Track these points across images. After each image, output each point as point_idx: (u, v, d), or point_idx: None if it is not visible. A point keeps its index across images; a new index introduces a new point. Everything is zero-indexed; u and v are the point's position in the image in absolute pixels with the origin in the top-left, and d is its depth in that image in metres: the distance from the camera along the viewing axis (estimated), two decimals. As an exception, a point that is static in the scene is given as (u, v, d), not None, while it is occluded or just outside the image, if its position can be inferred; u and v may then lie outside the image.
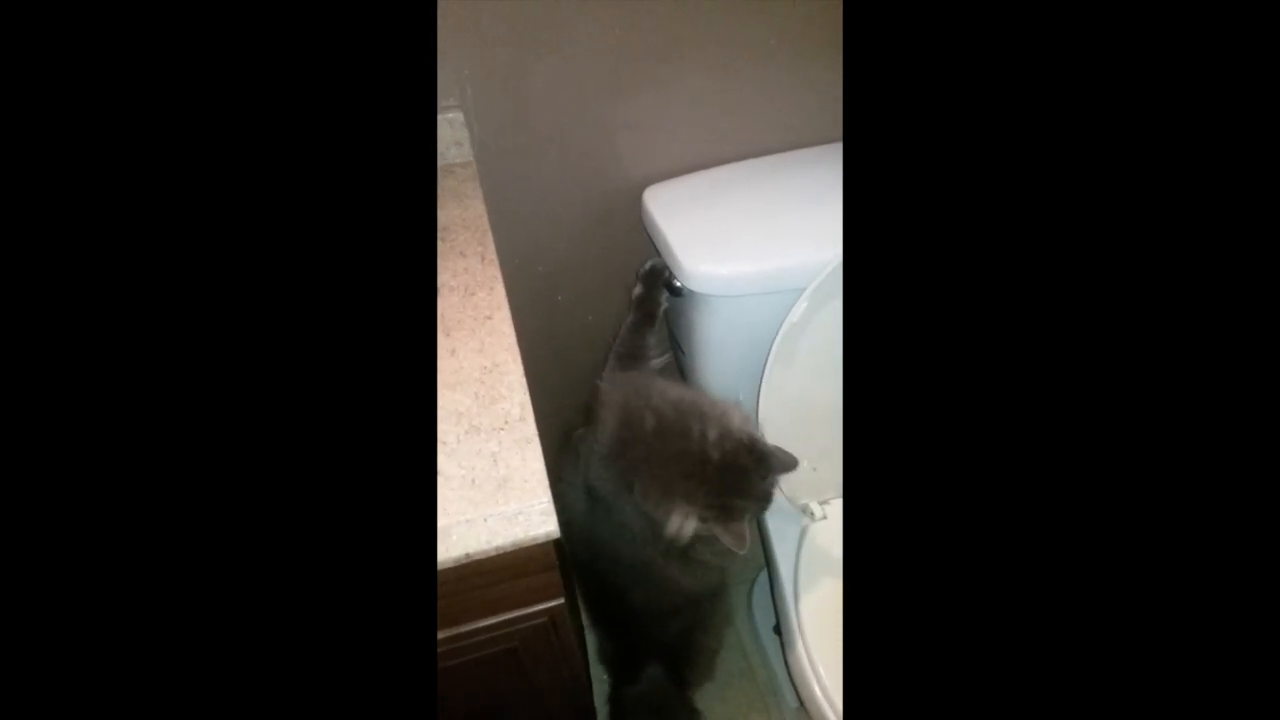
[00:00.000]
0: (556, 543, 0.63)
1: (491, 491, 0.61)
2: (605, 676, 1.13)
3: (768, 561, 1.08)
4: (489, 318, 0.76)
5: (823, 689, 0.91)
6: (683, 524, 0.78)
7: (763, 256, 0.92)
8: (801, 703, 0.97)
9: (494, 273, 0.82)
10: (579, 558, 0.99)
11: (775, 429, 0.95)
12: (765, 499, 0.83)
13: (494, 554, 0.59)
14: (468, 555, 0.58)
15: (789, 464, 0.80)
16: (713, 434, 0.79)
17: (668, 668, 1.06)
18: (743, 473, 0.79)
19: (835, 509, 1.09)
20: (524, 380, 0.70)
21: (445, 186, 0.94)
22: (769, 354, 0.92)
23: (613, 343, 1.03)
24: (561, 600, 0.71)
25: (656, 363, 1.00)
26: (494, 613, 0.70)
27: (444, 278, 0.81)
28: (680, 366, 1.12)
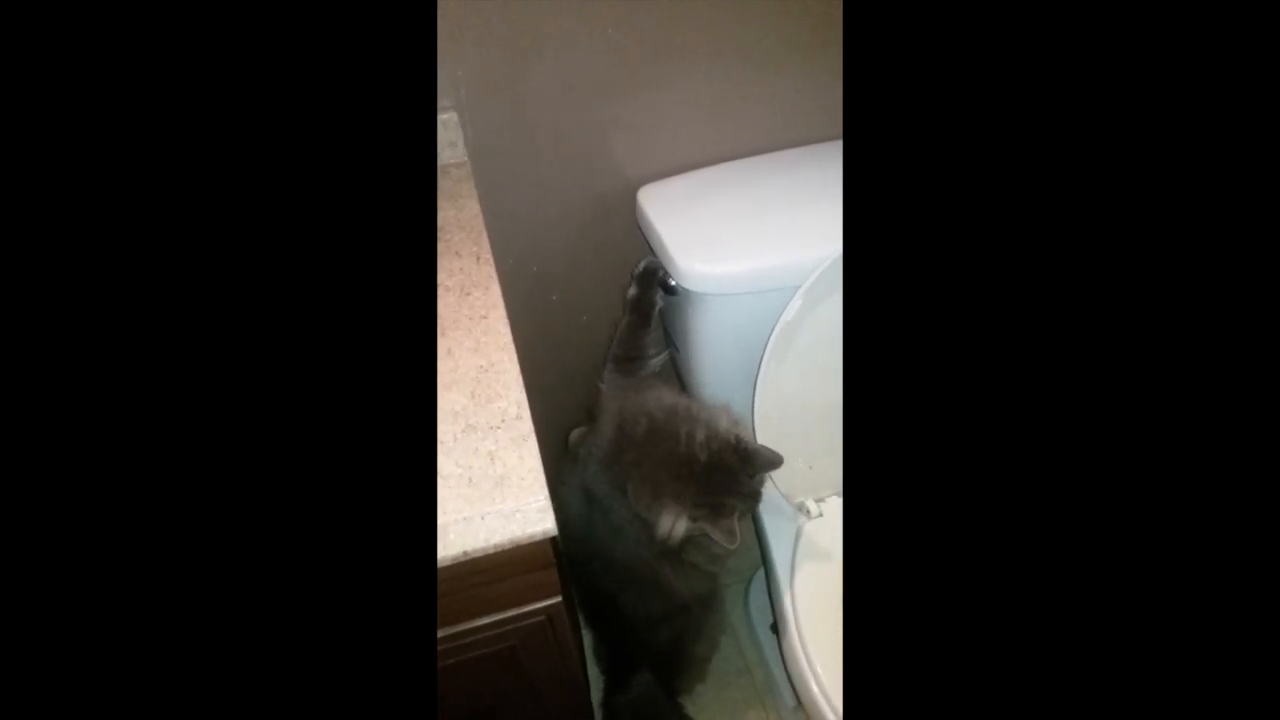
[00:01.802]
0: (553, 541, 0.63)
1: (489, 490, 0.61)
2: (601, 675, 1.13)
3: (764, 559, 1.08)
4: (484, 317, 0.77)
5: (820, 687, 0.92)
6: (674, 523, 0.79)
7: (757, 255, 0.92)
8: (799, 701, 0.97)
9: (489, 272, 0.82)
10: (574, 559, 0.99)
11: (771, 427, 0.96)
12: (754, 496, 0.84)
13: (492, 552, 0.59)
14: (465, 553, 0.58)
15: (774, 462, 0.82)
16: (700, 436, 0.80)
17: (657, 674, 1.06)
18: (729, 472, 0.80)
19: (831, 506, 1.09)
20: (520, 379, 0.70)
21: (440, 187, 0.94)
22: (764, 352, 0.92)
23: (608, 343, 1.03)
24: (559, 598, 0.71)
25: (655, 362, 1.01)
26: (492, 611, 0.70)
27: (440, 277, 0.81)
28: (675, 365, 1.12)
